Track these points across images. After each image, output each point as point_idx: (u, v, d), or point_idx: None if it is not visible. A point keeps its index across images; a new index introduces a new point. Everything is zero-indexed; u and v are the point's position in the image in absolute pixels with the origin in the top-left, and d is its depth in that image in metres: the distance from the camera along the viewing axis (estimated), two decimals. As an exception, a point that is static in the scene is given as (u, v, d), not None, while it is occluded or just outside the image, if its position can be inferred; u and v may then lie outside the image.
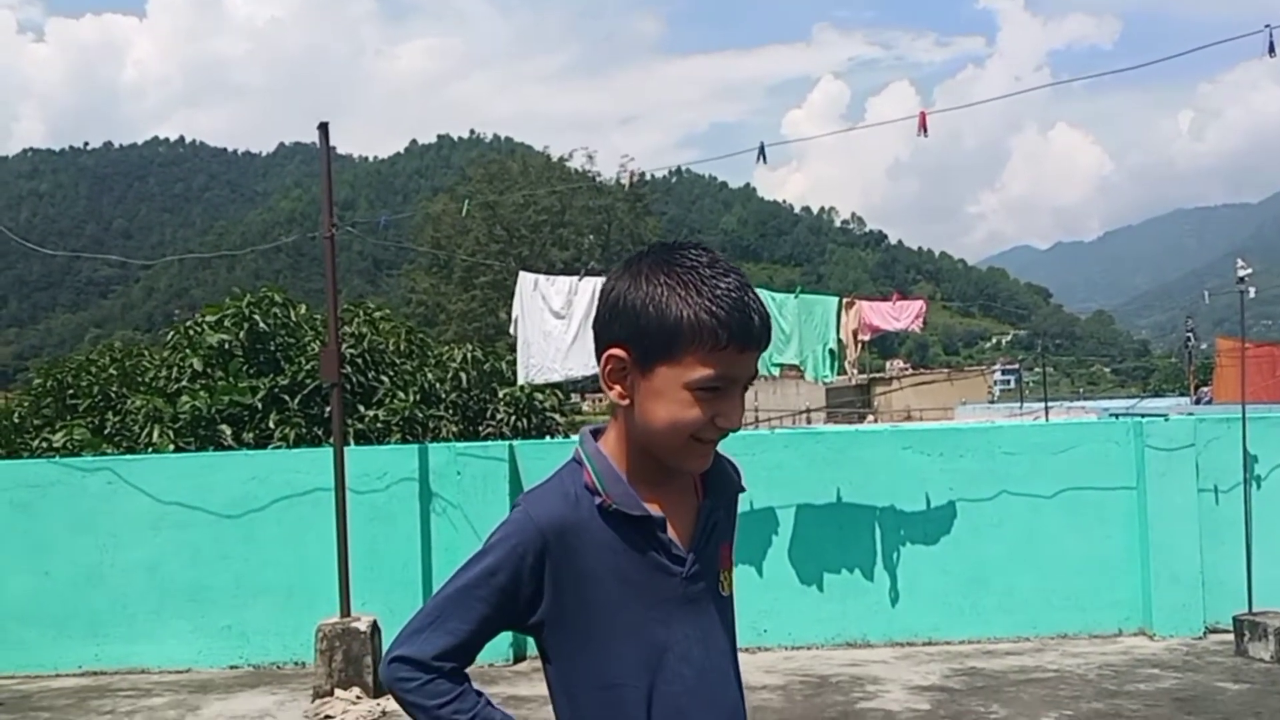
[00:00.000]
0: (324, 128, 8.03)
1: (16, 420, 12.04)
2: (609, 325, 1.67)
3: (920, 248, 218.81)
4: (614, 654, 1.67)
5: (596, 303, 1.73)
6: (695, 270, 1.61)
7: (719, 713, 1.74)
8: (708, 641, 1.74)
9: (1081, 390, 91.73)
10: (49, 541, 8.65)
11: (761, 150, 9.47)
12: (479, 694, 1.68)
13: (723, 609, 1.79)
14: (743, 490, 1.89)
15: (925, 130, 8.82)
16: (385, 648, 8.30)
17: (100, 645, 8.59)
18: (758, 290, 1.69)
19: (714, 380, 1.60)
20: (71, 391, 12.11)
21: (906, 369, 63.51)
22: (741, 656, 1.71)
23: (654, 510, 1.68)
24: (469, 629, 1.65)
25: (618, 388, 1.67)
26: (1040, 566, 8.63)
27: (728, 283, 1.60)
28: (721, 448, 1.78)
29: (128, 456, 9.64)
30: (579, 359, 9.11)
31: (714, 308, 1.58)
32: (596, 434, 1.77)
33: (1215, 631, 8.40)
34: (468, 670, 1.69)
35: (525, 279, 9.39)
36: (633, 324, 1.62)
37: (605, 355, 1.67)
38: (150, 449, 10.34)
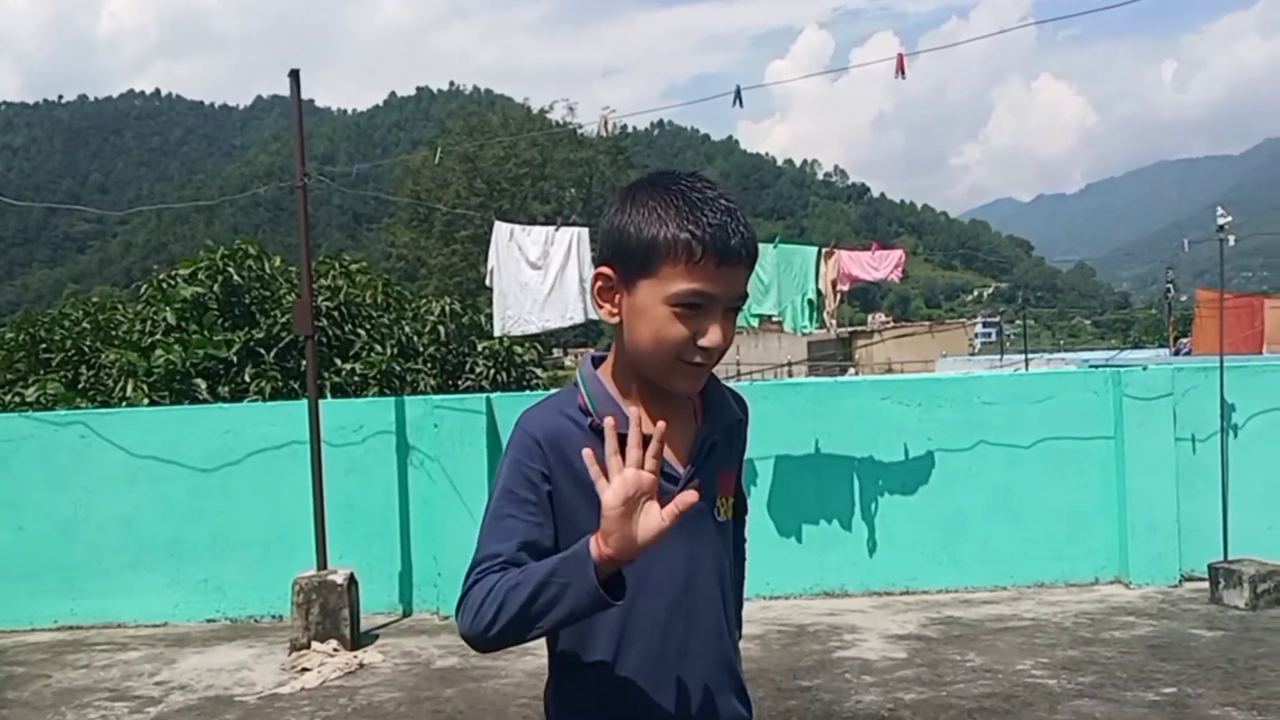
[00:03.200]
0: (295, 75, 7.86)
1: (-11, 375, 11.91)
2: (602, 248, 1.71)
3: (903, 200, 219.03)
4: None
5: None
6: (682, 193, 1.64)
7: (701, 632, 1.73)
8: (696, 561, 1.74)
9: (1062, 343, 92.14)
10: (22, 496, 8.57)
11: (738, 94, 9.36)
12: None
13: (718, 532, 1.80)
14: (742, 420, 1.89)
15: (903, 73, 8.72)
16: (361, 600, 8.18)
17: (76, 600, 8.55)
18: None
19: (692, 295, 1.60)
20: (44, 345, 11.97)
21: (888, 322, 63.69)
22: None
23: (639, 417, 1.64)
24: (516, 545, 1.63)
25: (607, 305, 1.71)
26: (1018, 516, 8.65)
27: (714, 204, 1.62)
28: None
29: (101, 410, 9.55)
30: (556, 310, 9.04)
31: (691, 224, 1.60)
32: (598, 362, 1.80)
33: (1191, 579, 8.44)
34: None
35: (501, 229, 9.27)
36: (617, 242, 1.67)
37: (595, 274, 1.73)
38: (124, 403, 10.25)
